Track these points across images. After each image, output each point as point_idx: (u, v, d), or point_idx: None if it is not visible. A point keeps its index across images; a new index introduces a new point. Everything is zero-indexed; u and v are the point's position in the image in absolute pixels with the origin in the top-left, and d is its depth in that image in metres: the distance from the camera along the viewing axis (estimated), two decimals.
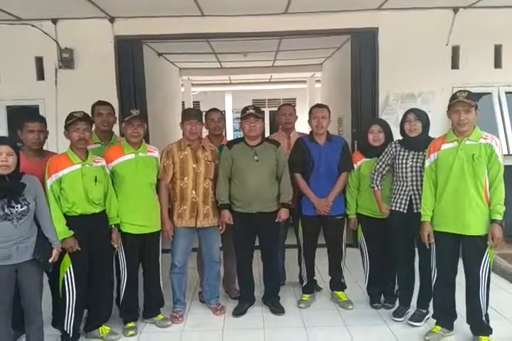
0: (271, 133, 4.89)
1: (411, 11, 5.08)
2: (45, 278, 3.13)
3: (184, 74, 9.27)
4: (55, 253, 2.93)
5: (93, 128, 3.38)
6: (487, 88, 5.26)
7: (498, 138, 3.12)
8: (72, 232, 3.06)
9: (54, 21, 5.08)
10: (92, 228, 3.17)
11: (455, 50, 5.22)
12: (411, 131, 3.37)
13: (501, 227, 2.96)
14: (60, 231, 3.00)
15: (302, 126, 4.67)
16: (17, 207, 2.75)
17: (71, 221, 3.09)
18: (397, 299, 3.68)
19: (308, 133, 3.95)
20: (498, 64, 5.25)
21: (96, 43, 5.16)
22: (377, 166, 3.54)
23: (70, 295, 3.14)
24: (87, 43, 5.14)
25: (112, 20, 5.11)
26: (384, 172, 3.53)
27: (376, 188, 3.55)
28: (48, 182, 3.05)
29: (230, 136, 12.29)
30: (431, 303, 3.41)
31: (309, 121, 3.79)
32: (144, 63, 5.45)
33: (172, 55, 7.39)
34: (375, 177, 3.55)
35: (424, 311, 3.48)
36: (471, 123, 3.00)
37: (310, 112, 3.82)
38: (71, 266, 3.11)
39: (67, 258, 3.10)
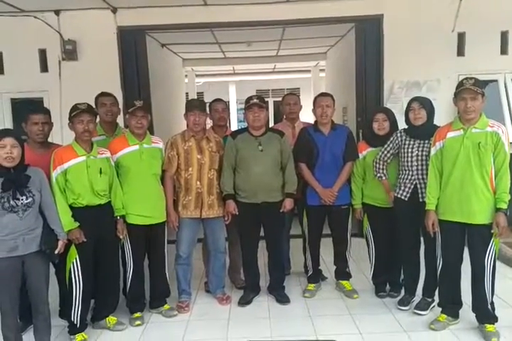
0: (275, 123, 4.88)
1: None
2: (52, 269, 3.16)
3: (188, 65, 9.23)
4: (60, 244, 2.95)
5: (97, 119, 3.39)
6: (493, 75, 5.19)
7: (504, 125, 3.09)
8: (77, 224, 3.08)
9: (56, 12, 5.06)
10: (97, 219, 3.18)
11: (461, 37, 5.15)
12: (416, 119, 3.34)
13: (506, 216, 2.94)
14: (65, 222, 3.01)
15: (306, 115, 4.65)
16: (22, 199, 2.77)
17: (76, 212, 3.10)
18: (403, 288, 3.69)
19: (312, 122, 3.93)
20: (504, 50, 5.17)
21: (99, 34, 5.13)
22: (382, 155, 3.52)
23: (77, 285, 3.16)
24: (90, 34, 5.12)
25: (114, 10, 5.08)
26: (388, 160, 3.51)
27: (384, 178, 3.53)
28: (53, 174, 3.06)
29: (234, 126, 12.27)
30: (436, 292, 3.41)
31: (314, 110, 3.77)
32: (147, 54, 5.43)
33: (175, 45, 7.36)
34: (380, 166, 3.53)
35: (430, 300, 3.48)
36: (477, 110, 2.97)
37: (314, 101, 3.79)
38: (77, 257, 3.13)
39: (73, 250, 3.12)
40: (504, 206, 2.93)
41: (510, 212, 3.01)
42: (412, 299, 3.59)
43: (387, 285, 3.83)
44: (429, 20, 5.05)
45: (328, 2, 4.99)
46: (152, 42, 6.22)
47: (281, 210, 3.66)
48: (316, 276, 3.98)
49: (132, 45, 5.23)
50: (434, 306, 3.46)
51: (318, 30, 6.17)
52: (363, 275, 4.17)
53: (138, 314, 3.51)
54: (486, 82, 4.88)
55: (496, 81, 5.23)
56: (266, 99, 3.81)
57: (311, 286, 3.93)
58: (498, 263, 3.16)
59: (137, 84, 5.26)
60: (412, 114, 3.35)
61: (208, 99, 6.38)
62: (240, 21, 5.17)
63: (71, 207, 3.10)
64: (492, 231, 2.97)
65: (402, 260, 3.62)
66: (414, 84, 5.15)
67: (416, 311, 3.45)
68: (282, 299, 3.76)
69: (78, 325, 3.21)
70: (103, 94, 3.79)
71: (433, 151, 3.15)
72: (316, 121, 3.81)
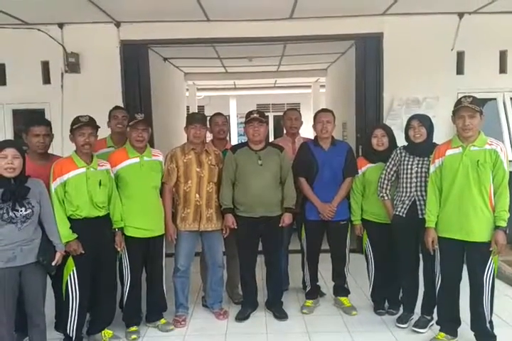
0: (275, 137, 4.90)
1: (416, 17, 5.09)
2: (49, 280, 3.14)
3: (189, 79, 9.31)
4: (58, 256, 2.94)
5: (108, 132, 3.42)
6: (492, 93, 5.25)
7: (503, 143, 3.11)
8: (75, 235, 3.07)
9: (60, 26, 5.12)
10: (96, 231, 3.17)
11: (460, 56, 5.22)
12: (416, 137, 3.37)
13: (505, 234, 2.94)
14: (63, 234, 3.01)
15: (306, 131, 4.68)
16: (21, 211, 2.77)
17: (75, 224, 3.09)
18: (401, 305, 3.66)
19: (312, 138, 3.95)
20: (503, 69, 5.24)
21: (102, 48, 5.19)
22: (386, 173, 3.52)
23: (73, 298, 3.14)
24: (93, 48, 5.18)
25: (117, 24, 5.15)
26: (393, 178, 3.51)
27: (386, 198, 3.53)
28: (53, 186, 3.06)
29: (234, 140, 12.31)
30: (435, 310, 3.39)
31: (314, 126, 3.80)
32: (149, 68, 5.49)
33: (177, 59, 7.43)
34: (384, 185, 3.52)
35: (429, 317, 3.46)
36: (475, 128, 2.99)
37: (315, 117, 3.82)
38: (74, 269, 3.11)
39: (70, 262, 3.10)
40: (503, 224, 2.94)
41: (510, 229, 3.01)
42: (410, 317, 3.56)
43: (386, 302, 3.81)
44: (428, 39, 5.12)
45: (329, 20, 5.07)
46: (154, 56, 6.28)
47: (280, 225, 3.66)
48: (314, 292, 3.95)
49: (135, 59, 5.29)
50: (432, 324, 3.43)
51: (319, 47, 6.25)
52: (362, 292, 4.15)
53: (134, 328, 3.48)
54: (484, 101, 4.94)
55: (494, 99, 5.28)
56: (266, 114, 3.85)
57: (309, 302, 3.90)
58: (497, 281, 3.14)
59: (139, 98, 5.31)
60: (412, 132, 3.38)
61: (208, 112, 6.41)
62: (242, 37, 5.25)
63: (70, 218, 3.09)
64: (491, 249, 2.97)
65: (401, 277, 3.60)
66: (414, 101, 5.19)
67: (414, 329, 3.42)
68: (280, 315, 3.73)
69: (74, 338, 3.18)
70: (116, 108, 3.94)
71: (432, 168, 3.17)
72: (316, 137, 3.83)
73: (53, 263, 2.91)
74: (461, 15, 5.08)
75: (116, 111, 3.89)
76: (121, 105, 5.03)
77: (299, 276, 4.16)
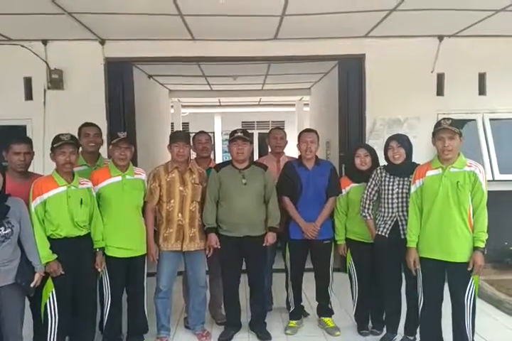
0: (260, 155, 4.92)
1: (397, 39, 5.20)
2: (27, 302, 3.06)
3: (174, 96, 9.32)
4: (37, 277, 2.88)
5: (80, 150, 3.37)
6: (472, 115, 5.35)
7: (482, 164, 3.18)
8: (55, 256, 3.01)
9: (44, 42, 5.10)
10: (76, 251, 3.12)
11: (440, 78, 5.33)
12: (395, 158, 3.41)
13: (483, 255, 2.98)
14: (43, 254, 2.95)
15: (290, 149, 4.70)
16: (0, 230, 2.71)
17: (55, 244, 3.04)
18: (385, 325, 3.65)
19: (296, 157, 3.97)
20: (482, 91, 5.36)
21: (86, 65, 5.17)
22: (367, 193, 3.54)
23: (52, 320, 3.06)
24: (77, 64, 5.15)
25: (102, 42, 5.15)
26: (374, 198, 3.53)
27: (369, 217, 3.54)
28: (33, 205, 3.01)
29: (219, 157, 12.31)
30: (418, 330, 3.38)
31: (298, 145, 3.82)
32: (133, 85, 5.49)
33: (162, 77, 7.45)
34: (366, 205, 3.54)
35: (412, 338, 3.45)
36: (455, 150, 3.04)
37: (299, 137, 3.85)
38: (54, 290, 3.04)
39: (50, 283, 3.04)
40: (481, 245, 2.97)
41: (488, 250, 3.04)
42: (394, 337, 3.55)
43: (370, 323, 3.79)
44: (409, 61, 5.22)
45: (313, 41, 5.15)
46: (139, 73, 6.29)
47: (263, 244, 3.64)
48: (298, 313, 3.92)
49: (119, 76, 5.29)
50: None
51: (302, 67, 6.33)
52: (345, 312, 4.13)
53: None
54: (464, 122, 5.04)
55: (474, 120, 5.39)
56: (251, 131, 3.88)
57: (293, 323, 3.86)
58: (479, 300, 3.18)
59: (122, 115, 5.29)
60: (391, 153, 3.42)
61: (193, 129, 6.43)
62: (227, 56, 5.29)
63: (49, 238, 3.04)
64: (469, 269, 2.99)
65: (384, 297, 3.59)
66: (395, 121, 5.28)
67: None
68: (263, 336, 3.68)
69: None
70: (87, 125, 3.79)
71: (413, 189, 3.20)
72: (300, 156, 3.85)
73: (32, 285, 2.84)
74: (441, 38, 5.21)
75: (88, 129, 3.74)
76: (105, 122, 5.03)
77: (282, 296, 4.13)
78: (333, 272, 3.88)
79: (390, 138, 3.48)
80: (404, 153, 3.40)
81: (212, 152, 4.22)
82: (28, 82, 5.21)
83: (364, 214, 3.55)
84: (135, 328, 3.54)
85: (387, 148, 3.46)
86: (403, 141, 3.43)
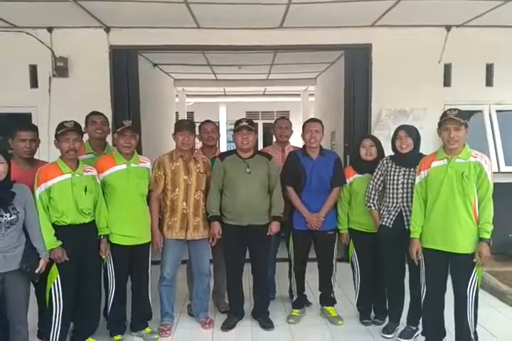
0: (264, 145, 4.91)
1: (404, 29, 5.15)
2: (32, 288, 3.09)
3: (179, 85, 9.29)
4: (42, 263, 2.90)
5: (86, 138, 3.36)
6: (478, 106, 5.32)
7: (488, 155, 3.16)
8: (60, 242, 3.03)
9: (49, 29, 5.09)
10: (80, 238, 3.13)
11: (447, 68, 5.29)
12: (402, 147, 3.39)
13: (489, 246, 2.97)
14: (48, 241, 2.97)
15: (295, 139, 4.69)
16: (6, 216, 2.73)
17: (60, 231, 3.05)
18: (387, 315, 3.67)
19: (301, 147, 3.96)
20: (489, 82, 5.32)
21: (91, 52, 5.16)
22: (373, 183, 3.53)
23: (57, 306, 3.09)
24: (82, 52, 5.14)
25: (107, 29, 5.13)
26: (380, 188, 3.52)
27: (373, 208, 3.54)
28: (37, 192, 3.02)
29: (223, 147, 12.30)
30: (421, 320, 3.40)
31: (303, 135, 3.81)
32: (138, 73, 5.46)
33: (167, 65, 7.41)
34: (372, 195, 3.53)
35: (414, 328, 3.47)
36: (460, 141, 3.02)
37: (303, 126, 3.84)
38: (58, 276, 3.07)
39: (54, 269, 3.06)
40: (487, 236, 2.96)
41: (495, 241, 3.03)
42: (396, 327, 3.56)
43: (372, 312, 3.81)
44: (416, 51, 5.18)
45: (319, 30, 5.11)
46: (144, 62, 6.26)
47: (267, 233, 3.65)
48: (300, 302, 3.94)
49: (124, 64, 5.26)
50: (418, 335, 3.44)
51: (308, 56, 6.29)
52: (348, 301, 4.15)
53: (118, 337, 3.43)
54: (470, 113, 5.00)
55: (480, 111, 5.35)
56: (255, 121, 3.84)
57: (296, 312, 3.89)
58: (481, 291, 3.18)
59: (127, 103, 5.27)
60: (399, 142, 3.41)
61: (198, 119, 6.42)
62: (232, 45, 5.26)
63: (54, 225, 3.05)
64: (474, 260, 2.99)
65: (387, 287, 3.61)
66: (401, 112, 5.24)
67: (400, 339, 3.43)
68: (266, 324, 3.71)
69: None
70: (94, 113, 3.80)
71: (418, 180, 3.19)
72: (304, 146, 3.84)
73: (37, 271, 2.87)
74: (448, 28, 5.15)
75: (94, 117, 3.75)
76: (110, 111, 5.03)
77: (285, 285, 4.15)
78: (337, 262, 3.89)
79: (399, 128, 3.47)
80: (411, 143, 3.38)
81: (218, 142, 4.21)
82: (33, 69, 5.21)
83: (369, 204, 3.55)
84: (139, 315, 3.56)
85: (395, 137, 3.44)
86: (412, 132, 3.41)
